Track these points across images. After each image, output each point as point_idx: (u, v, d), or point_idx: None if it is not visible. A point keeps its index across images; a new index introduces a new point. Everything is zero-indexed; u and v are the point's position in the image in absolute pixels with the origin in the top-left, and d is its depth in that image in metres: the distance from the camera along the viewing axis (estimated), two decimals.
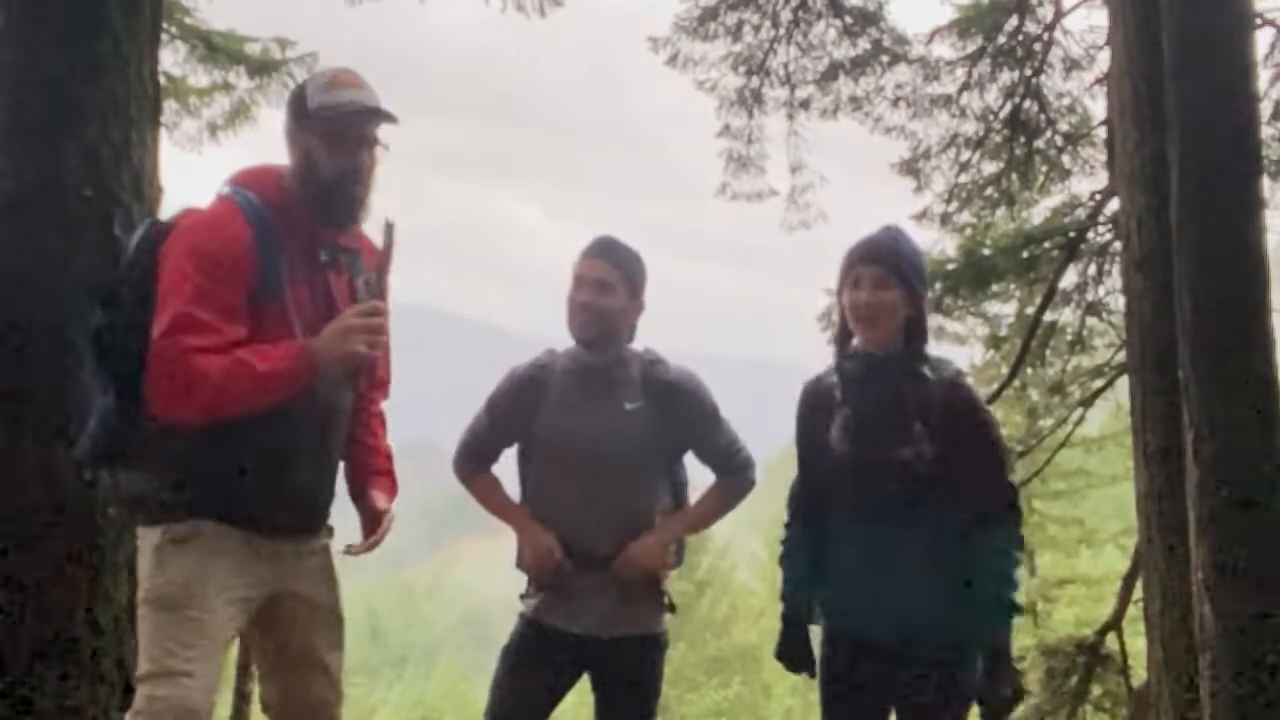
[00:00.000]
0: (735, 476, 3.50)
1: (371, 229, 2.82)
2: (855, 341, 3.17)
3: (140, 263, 2.64)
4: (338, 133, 2.68)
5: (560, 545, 3.32)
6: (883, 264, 3.07)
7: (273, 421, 2.62)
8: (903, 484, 3.07)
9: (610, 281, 3.30)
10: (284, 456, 2.68)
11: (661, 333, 3.44)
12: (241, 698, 8.74)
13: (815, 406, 3.27)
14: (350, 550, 2.89)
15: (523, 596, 3.47)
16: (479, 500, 3.55)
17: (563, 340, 3.42)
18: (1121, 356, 7.88)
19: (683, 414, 3.36)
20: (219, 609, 2.61)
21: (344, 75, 2.75)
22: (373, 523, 2.92)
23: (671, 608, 3.45)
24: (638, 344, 3.42)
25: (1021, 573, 3.28)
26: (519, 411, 3.38)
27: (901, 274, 3.07)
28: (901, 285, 3.07)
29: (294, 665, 2.82)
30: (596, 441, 3.28)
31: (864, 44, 8.51)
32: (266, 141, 2.88)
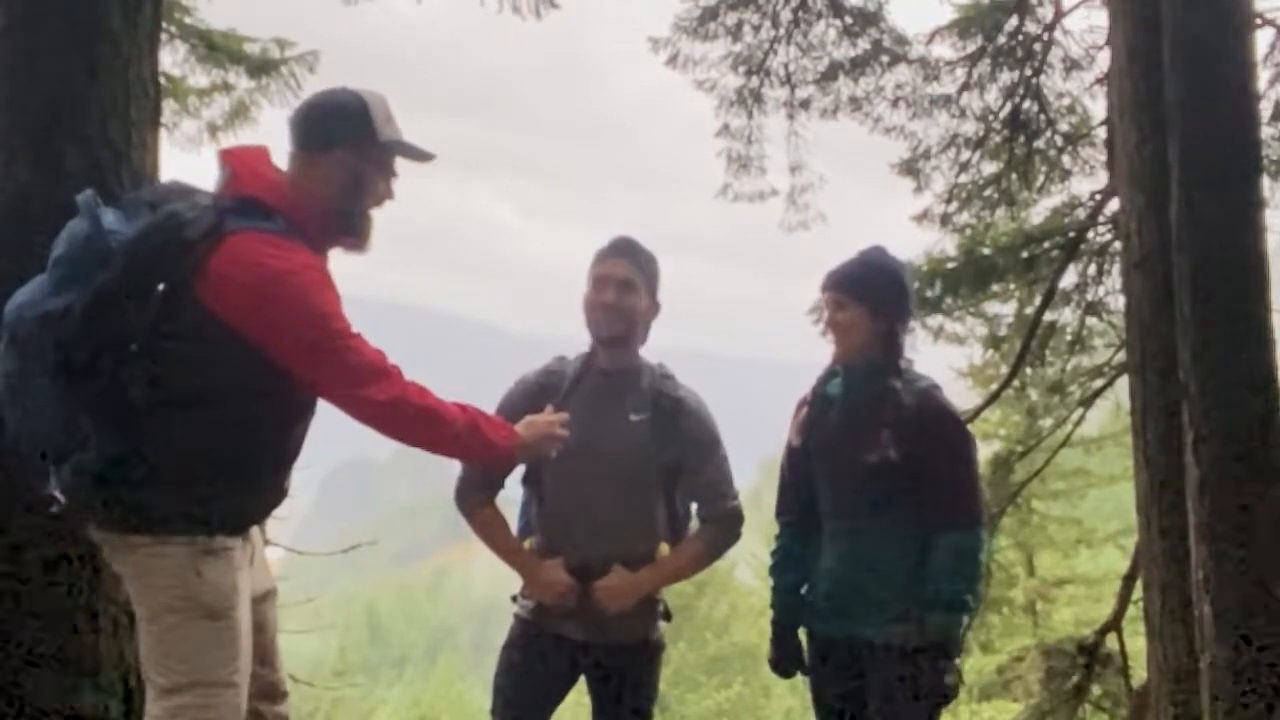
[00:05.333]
0: (717, 527, 3.43)
1: None
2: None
3: (158, 276, 2.53)
4: (390, 167, 2.80)
5: (565, 566, 3.31)
6: (837, 289, 3.40)
7: (282, 437, 2.72)
8: (870, 487, 3.28)
9: (634, 281, 3.29)
10: (283, 467, 2.77)
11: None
12: None
13: (801, 415, 3.50)
14: None
15: (516, 598, 3.48)
16: (483, 539, 3.47)
17: (561, 339, 3.42)
18: (1121, 356, 7.88)
19: (684, 433, 3.33)
20: (245, 618, 2.66)
21: (389, 106, 2.81)
22: None
23: (667, 615, 3.46)
24: (652, 357, 3.41)
25: (981, 575, 3.49)
26: None
27: (859, 295, 3.36)
28: (860, 305, 3.35)
29: (264, 651, 2.85)
30: (599, 449, 3.26)
31: (864, 44, 8.50)
32: (266, 142, 2.85)
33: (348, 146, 2.71)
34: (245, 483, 2.66)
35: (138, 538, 2.61)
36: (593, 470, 3.26)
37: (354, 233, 2.80)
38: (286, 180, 2.72)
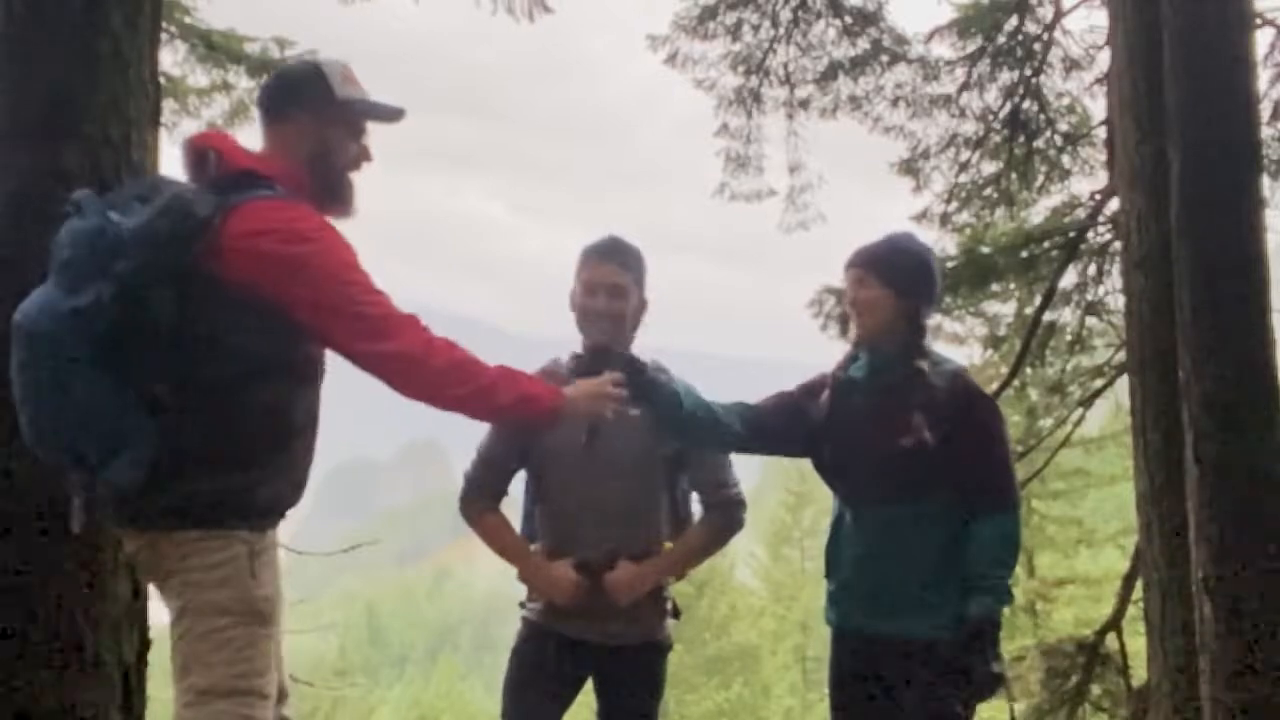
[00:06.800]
0: (720, 514, 3.43)
1: None
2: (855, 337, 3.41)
3: (179, 258, 2.51)
4: (357, 125, 2.79)
5: (573, 565, 3.31)
6: (860, 266, 3.34)
7: (313, 428, 2.73)
8: (903, 472, 3.19)
9: (624, 285, 3.30)
10: (309, 451, 2.77)
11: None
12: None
13: (823, 397, 3.39)
14: None
15: (523, 604, 3.48)
16: (490, 545, 3.46)
17: (557, 339, 3.41)
18: (1121, 356, 7.88)
19: None
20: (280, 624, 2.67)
21: (351, 71, 2.81)
22: None
23: (675, 613, 3.46)
24: (649, 356, 3.42)
25: (1018, 560, 3.37)
26: None
27: (882, 273, 3.29)
28: (884, 284, 3.29)
29: (275, 654, 2.83)
30: (599, 445, 3.26)
31: (864, 44, 8.51)
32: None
33: (307, 111, 2.72)
34: (277, 468, 2.65)
35: (182, 534, 2.57)
36: (596, 466, 3.27)
37: (336, 198, 2.78)
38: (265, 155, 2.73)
